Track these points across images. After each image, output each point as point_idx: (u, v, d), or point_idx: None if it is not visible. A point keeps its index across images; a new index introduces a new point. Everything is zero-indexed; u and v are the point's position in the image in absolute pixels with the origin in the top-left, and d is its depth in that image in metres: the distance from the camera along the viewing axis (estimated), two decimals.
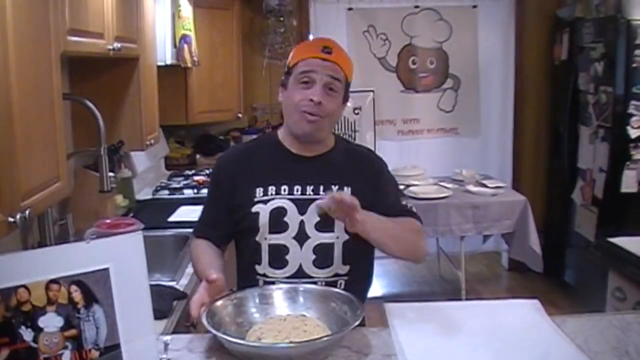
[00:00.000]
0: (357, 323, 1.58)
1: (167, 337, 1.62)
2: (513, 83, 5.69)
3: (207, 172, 4.72)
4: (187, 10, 4.25)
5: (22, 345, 1.28)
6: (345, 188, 1.94)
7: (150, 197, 4.09)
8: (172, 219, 3.45)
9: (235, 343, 1.52)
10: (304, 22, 5.51)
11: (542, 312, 1.84)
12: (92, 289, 1.35)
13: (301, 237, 1.92)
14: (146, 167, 4.20)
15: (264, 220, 1.92)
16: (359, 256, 1.98)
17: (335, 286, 1.90)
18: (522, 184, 5.61)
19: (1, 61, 1.58)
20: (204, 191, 4.07)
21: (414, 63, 5.64)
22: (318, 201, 1.75)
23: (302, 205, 1.92)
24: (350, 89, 2.04)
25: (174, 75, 4.44)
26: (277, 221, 1.92)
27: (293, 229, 1.92)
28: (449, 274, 5.49)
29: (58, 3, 2.01)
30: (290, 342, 1.54)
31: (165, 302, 2.14)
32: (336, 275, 1.93)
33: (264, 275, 1.94)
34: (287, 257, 1.92)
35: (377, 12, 5.56)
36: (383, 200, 1.97)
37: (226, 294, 1.76)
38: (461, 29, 5.62)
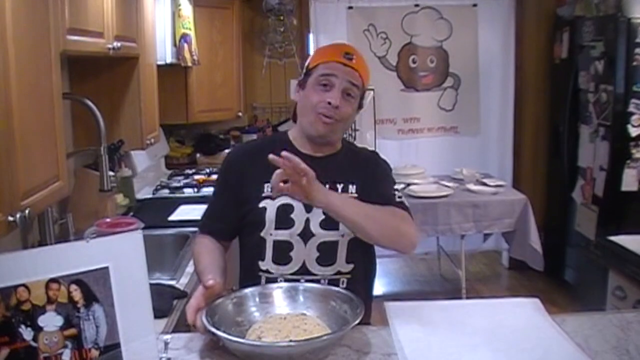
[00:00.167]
0: (356, 322, 1.58)
1: (167, 336, 1.63)
2: (513, 82, 5.69)
3: (208, 171, 4.73)
4: (187, 9, 4.25)
5: (22, 344, 1.28)
6: (350, 186, 1.98)
7: (150, 196, 4.09)
8: (172, 218, 3.45)
9: (235, 342, 1.52)
10: (304, 21, 5.51)
11: (542, 311, 1.84)
12: (91, 288, 1.35)
13: (306, 234, 1.93)
14: (146, 166, 4.20)
15: (270, 215, 1.93)
16: (363, 255, 1.99)
17: (338, 284, 1.91)
18: (522, 183, 5.61)
19: (1, 60, 1.58)
20: (205, 190, 4.08)
21: (414, 62, 5.64)
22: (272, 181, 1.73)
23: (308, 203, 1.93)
24: None
25: (174, 75, 4.44)
26: (283, 217, 1.93)
27: (298, 226, 1.93)
28: (449, 272, 5.50)
29: (58, 2, 2.01)
30: (290, 341, 1.54)
31: (165, 301, 2.14)
32: (339, 273, 1.94)
33: (267, 271, 1.95)
34: (291, 253, 1.93)
35: (377, 11, 5.56)
36: (374, 189, 1.98)
37: (226, 293, 1.76)
38: (461, 28, 5.62)
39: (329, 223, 1.91)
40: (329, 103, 1.92)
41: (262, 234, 1.95)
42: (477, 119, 5.79)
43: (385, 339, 1.68)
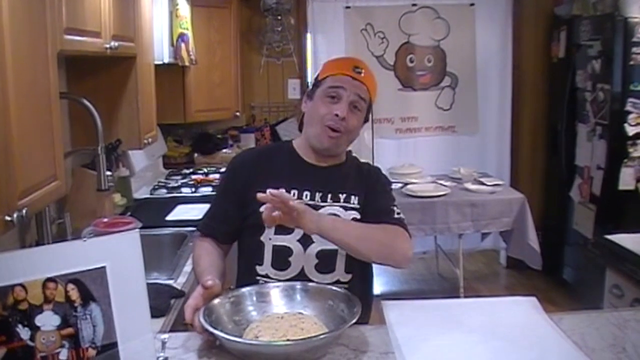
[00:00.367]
0: (354, 321, 1.58)
1: (164, 336, 1.62)
2: (511, 81, 5.70)
3: (206, 170, 4.73)
4: (184, 8, 4.25)
5: (19, 343, 1.28)
6: (353, 197, 2.00)
7: (148, 195, 4.09)
8: (169, 217, 3.45)
9: (233, 341, 1.52)
10: (301, 20, 5.51)
11: (539, 310, 1.85)
12: (89, 287, 1.35)
13: (306, 240, 1.93)
14: (144, 166, 4.20)
15: None
16: (362, 265, 2.00)
17: None
18: (520, 182, 5.61)
19: None
20: (202, 190, 4.08)
21: (411, 61, 5.64)
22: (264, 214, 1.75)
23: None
24: None
25: (171, 74, 4.45)
26: None
27: (298, 232, 1.93)
28: (447, 271, 5.50)
29: (55, 2, 2.01)
30: (288, 340, 1.54)
31: (162, 301, 2.14)
32: (338, 282, 1.94)
33: (266, 275, 1.95)
34: (290, 259, 1.94)
35: (374, 11, 5.57)
36: (373, 203, 2.01)
37: (224, 292, 1.77)
38: (459, 27, 5.63)
39: None
40: (336, 115, 1.95)
41: (261, 238, 1.96)
42: (475, 118, 5.79)
43: (382, 337, 1.68)
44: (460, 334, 1.69)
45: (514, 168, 5.79)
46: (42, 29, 1.91)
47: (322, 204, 1.97)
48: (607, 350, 1.60)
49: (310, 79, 5.42)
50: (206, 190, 4.07)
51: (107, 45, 2.59)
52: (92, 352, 1.35)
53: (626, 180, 4.34)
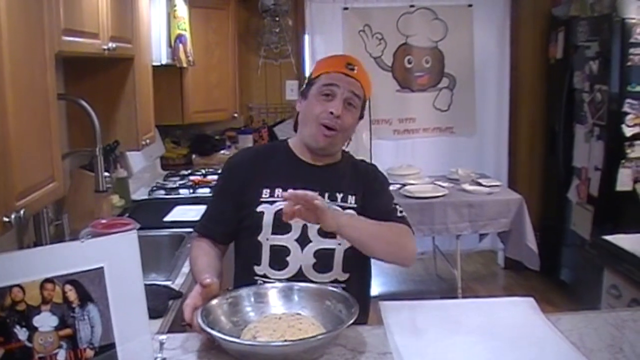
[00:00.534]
0: (351, 321, 1.59)
1: (163, 337, 1.62)
2: (508, 82, 5.70)
3: (203, 171, 4.72)
4: (182, 10, 4.25)
5: (17, 344, 1.28)
6: (350, 197, 2.00)
7: (146, 197, 4.08)
8: (167, 218, 3.44)
9: (231, 341, 1.52)
10: (299, 21, 5.51)
11: (537, 310, 1.85)
12: (86, 288, 1.35)
13: (303, 240, 1.94)
14: (142, 167, 4.20)
15: (267, 220, 1.94)
16: (359, 265, 2.00)
17: None
18: (517, 183, 5.62)
19: None
20: (200, 191, 4.08)
21: (409, 62, 5.65)
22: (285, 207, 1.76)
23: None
24: None
25: (169, 75, 4.45)
26: (281, 222, 1.92)
27: (296, 232, 1.94)
28: (445, 272, 5.50)
29: (52, 3, 2.01)
30: (285, 341, 1.54)
31: (160, 302, 2.13)
32: (335, 281, 1.94)
33: (264, 275, 1.95)
34: (288, 258, 1.94)
35: (372, 12, 5.57)
36: (374, 204, 2.01)
37: (221, 293, 1.77)
38: (457, 28, 5.63)
39: (327, 231, 1.92)
40: (331, 113, 1.94)
41: (258, 238, 1.96)
42: (473, 119, 5.80)
43: (380, 338, 1.68)
44: (458, 335, 1.69)
45: (512, 169, 5.79)
46: (39, 30, 1.91)
47: None
48: (605, 350, 1.60)
49: None
50: (204, 192, 4.07)
51: (105, 47, 2.59)
52: (90, 353, 1.36)
53: (624, 181, 4.34)
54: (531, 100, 5.67)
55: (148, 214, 3.50)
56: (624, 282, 2.62)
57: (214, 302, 1.69)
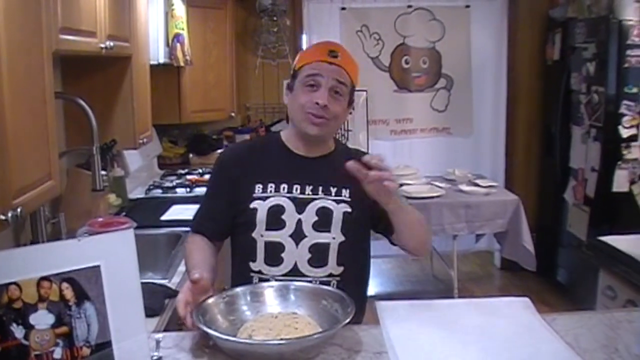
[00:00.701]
0: (347, 321, 1.59)
1: (159, 335, 1.63)
2: (505, 83, 5.71)
3: (200, 171, 4.73)
4: (180, 9, 4.25)
5: (14, 342, 1.28)
6: (344, 190, 1.98)
7: (142, 196, 4.09)
8: (164, 217, 3.45)
9: (227, 340, 1.52)
10: (297, 21, 5.52)
11: (532, 310, 1.85)
12: (83, 286, 1.35)
13: (298, 235, 1.93)
14: (139, 166, 4.20)
15: (261, 216, 1.93)
16: (354, 258, 2.00)
17: (329, 286, 1.91)
18: (514, 184, 5.63)
19: None
20: (197, 190, 4.08)
21: (407, 63, 5.66)
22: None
23: (300, 204, 1.94)
24: None
25: (166, 75, 4.45)
26: (274, 218, 1.93)
27: (290, 227, 1.93)
28: (441, 273, 5.51)
29: (50, 1, 2.01)
30: (282, 340, 1.54)
31: (157, 300, 2.14)
32: (330, 275, 1.94)
33: (259, 272, 1.95)
34: (283, 254, 1.93)
35: (370, 12, 5.58)
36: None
37: (217, 292, 1.77)
38: (454, 29, 5.64)
39: (321, 225, 1.93)
40: (317, 103, 1.91)
41: (253, 235, 1.95)
42: (470, 119, 5.81)
43: (376, 337, 1.68)
44: (454, 334, 1.69)
45: (509, 170, 5.80)
46: (37, 29, 1.91)
47: (313, 196, 1.95)
48: (600, 350, 1.61)
49: None
50: (201, 191, 4.03)
51: (103, 45, 2.59)
52: (86, 351, 1.36)
53: (620, 182, 4.35)
54: (528, 102, 5.67)
55: (145, 213, 3.50)
56: (620, 283, 2.63)
57: (211, 300, 1.70)
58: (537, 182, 5.71)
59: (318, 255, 1.93)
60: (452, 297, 4.70)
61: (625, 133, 4.32)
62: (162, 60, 4.00)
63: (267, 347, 1.52)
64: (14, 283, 1.28)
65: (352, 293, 1.76)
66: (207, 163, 5.01)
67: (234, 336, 1.59)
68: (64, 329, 1.33)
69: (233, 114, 5.18)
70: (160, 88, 4.26)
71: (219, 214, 2.03)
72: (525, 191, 5.39)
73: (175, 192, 4.14)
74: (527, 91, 5.67)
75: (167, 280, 2.43)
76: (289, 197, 1.95)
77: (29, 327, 1.29)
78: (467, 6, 5.64)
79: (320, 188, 1.97)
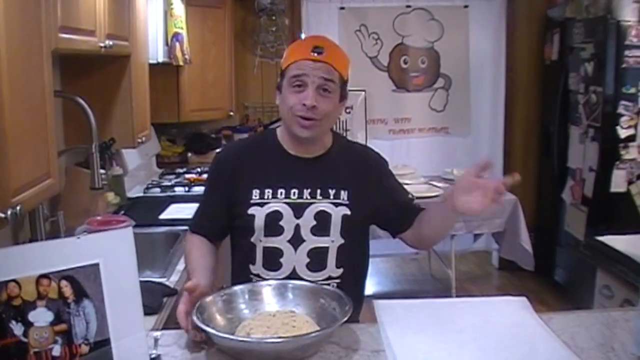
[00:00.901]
0: (345, 319, 1.59)
1: (157, 333, 1.63)
2: (504, 83, 5.71)
3: (199, 170, 4.73)
4: (179, 8, 4.25)
5: (13, 339, 1.28)
6: (342, 192, 1.95)
7: (141, 194, 4.09)
8: (163, 216, 3.45)
9: (224, 338, 1.53)
10: (296, 20, 5.52)
11: (529, 309, 1.86)
12: (82, 284, 1.36)
13: (296, 240, 1.92)
14: (137, 165, 4.21)
15: (259, 223, 1.91)
16: (353, 259, 1.99)
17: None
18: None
19: None
20: (196, 189, 4.08)
21: (405, 62, 5.66)
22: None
23: (298, 209, 1.92)
24: None
25: (165, 73, 4.45)
26: (273, 225, 1.91)
27: (288, 233, 1.91)
28: (439, 272, 5.51)
29: (50, 0, 2.01)
30: (279, 338, 1.55)
31: (155, 299, 2.14)
32: (329, 278, 1.94)
33: (258, 275, 1.95)
34: (281, 260, 1.92)
35: (369, 12, 5.58)
36: (393, 198, 2.03)
37: (216, 290, 1.77)
38: (452, 29, 5.65)
39: (320, 229, 1.92)
40: (304, 105, 1.86)
41: (252, 240, 1.94)
42: (468, 119, 5.81)
43: (373, 336, 1.69)
44: (451, 333, 1.70)
45: (507, 169, 5.79)
46: (36, 28, 1.91)
47: (312, 200, 1.92)
48: (596, 349, 1.62)
49: None
50: (199, 190, 4.03)
51: (102, 44, 2.60)
52: (85, 349, 1.36)
53: (618, 182, 4.36)
54: (526, 101, 5.68)
55: (143, 211, 3.51)
56: (617, 283, 2.64)
57: (209, 299, 1.70)
58: (535, 182, 5.71)
59: (317, 259, 1.92)
60: (450, 297, 4.70)
61: (623, 133, 4.32)
62: (161, 59, 4.00)
63: (264, 345, 1.53)
64: (13, 280, 1.28)
65: (350, 292, 1.76)
66: (205, 162, 5.01)
67: (232, 334, 1.60)
68: (62, 326, 1.34)
69: (232, 113, 5.18)
70: (159, 87, 4.27)
71: (218, 215, 2.02)
72: (524, 191, 5.37)
73: (174, 191, 4.15)
74: (525, 91, 5.68)
75: (165, 279, 2.44)
76: (286, 203, 1.92)
77: (28, 325, 1.30)
78: (466, 6, 5.65)
79: (319, 191, 1.93)
